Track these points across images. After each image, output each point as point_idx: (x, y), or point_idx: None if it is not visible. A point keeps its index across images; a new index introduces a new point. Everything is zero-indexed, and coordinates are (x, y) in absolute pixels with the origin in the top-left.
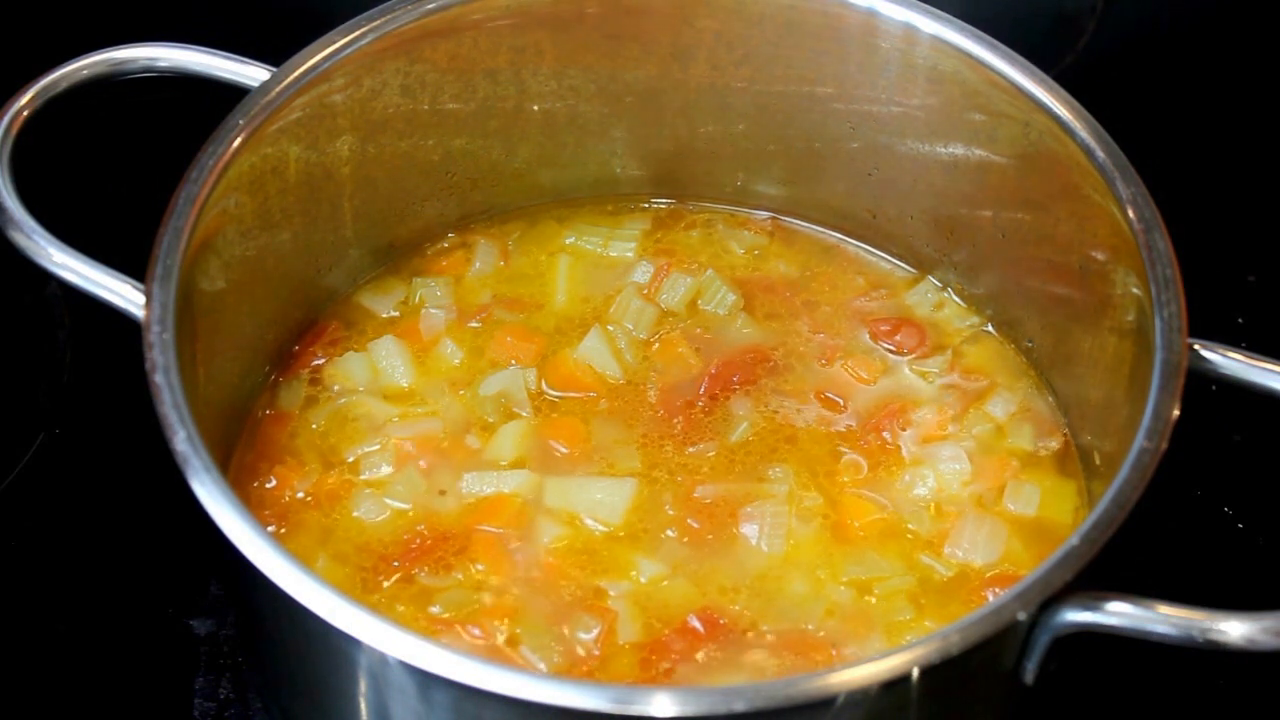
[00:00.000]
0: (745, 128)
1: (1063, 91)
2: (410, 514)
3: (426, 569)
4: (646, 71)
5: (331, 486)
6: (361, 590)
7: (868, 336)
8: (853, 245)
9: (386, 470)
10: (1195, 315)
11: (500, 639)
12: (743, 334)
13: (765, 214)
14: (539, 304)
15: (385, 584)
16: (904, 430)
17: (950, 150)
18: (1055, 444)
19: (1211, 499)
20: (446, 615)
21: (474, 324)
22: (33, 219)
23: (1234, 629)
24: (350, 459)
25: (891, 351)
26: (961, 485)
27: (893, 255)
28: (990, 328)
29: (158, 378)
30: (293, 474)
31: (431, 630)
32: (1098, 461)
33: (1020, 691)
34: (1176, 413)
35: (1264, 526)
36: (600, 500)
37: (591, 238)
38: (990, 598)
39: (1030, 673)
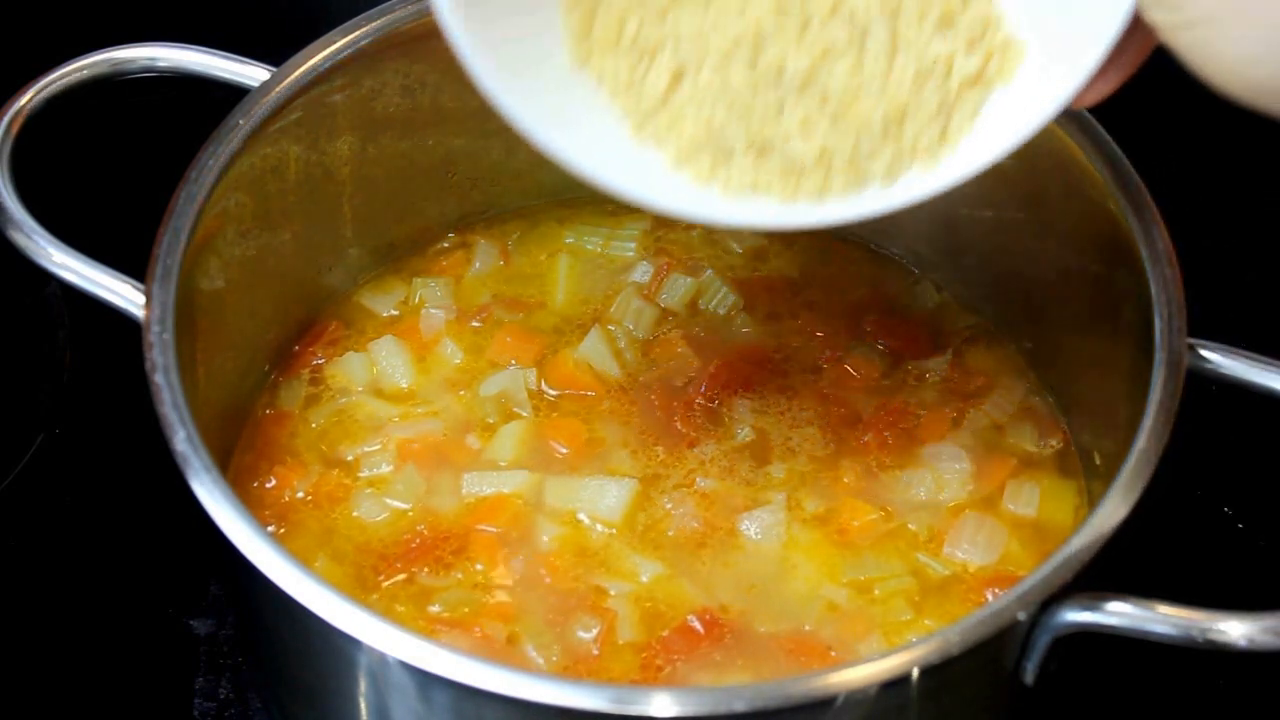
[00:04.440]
0: None
1: None
2: (410, 514)
3: (426, 568)
4: None
5: (331, 486)
6: (360, 589)
7: (867, 335)
8: (852, 245)
9: (386, 470)
10: (1195, 315)
11: (499, 638)
12: (742, 334)
13: None
14: (539, 303)
15: (385, 583)
16: (904, 430)
17: None
18: (1055, 444)
19: (1211, 499)
20: (446, 614)
21: (474, 324)
22: (33, 219)
23: (1234, 629)
24: (350, 459)
25: (891, 351)
26: (961, 485)
27: (892, 255)
28: (990, 328)
29: (158, 378)
30: (292, 474)
31: (431, 630)
32: (1098, 461)
33: (1020, 691)
34: (1176, 413)
35: (1264, 526)
36: (600, 500)
37: (591, 238)
38: (990, 598)
39: (1030, 673)
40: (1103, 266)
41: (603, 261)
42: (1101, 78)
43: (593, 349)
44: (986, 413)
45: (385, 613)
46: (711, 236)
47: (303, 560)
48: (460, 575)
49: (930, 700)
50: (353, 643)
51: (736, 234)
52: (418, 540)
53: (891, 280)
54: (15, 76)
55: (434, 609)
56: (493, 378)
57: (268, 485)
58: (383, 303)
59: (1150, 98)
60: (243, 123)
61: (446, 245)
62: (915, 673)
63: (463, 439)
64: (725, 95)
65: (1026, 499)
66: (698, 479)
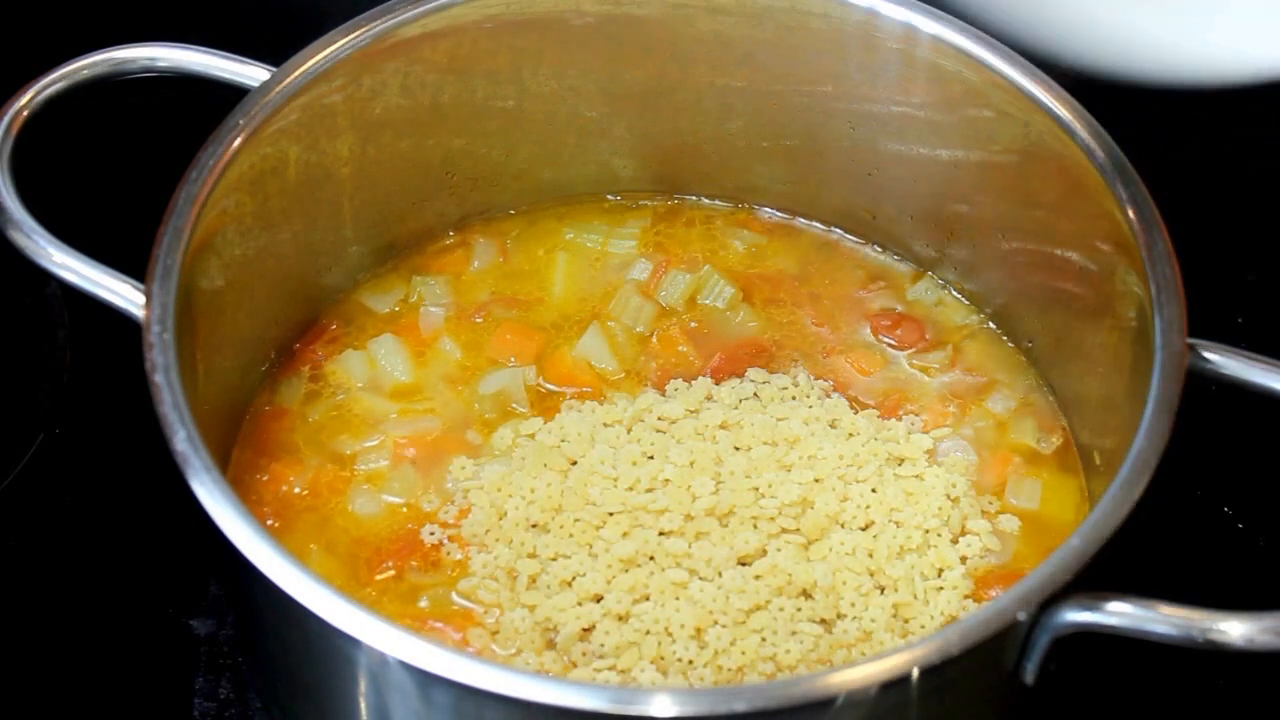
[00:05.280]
0: (744, 127)
1: (1063, 91)
2: (405, 510)
3: (416, 563)
4: (646, 71)
5: (329, 482)
6: (354, 584)
7: (868, 331)
8: (852, 242)
9: (383, 465)
10: (1195, 315)
11: (485, 636)
12: (742, 328)
13: (765, 211)
14: (538, 300)
15: (377, 577)
16: (904, 425)
17: (950, 150)
18: (1056, 441)
19: (1211, 499)
20: (430, 610)
21: (474, 320)
22: (33, 219)
23: (1234, 629)
24: (348, 453)
25: (892, 346)
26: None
27: (894, 252)
28: (991, 325)
29: (158, 378)
30: (290, 469)
31: (419, 626)
32: (1098, 461)
33: (1020, 691)
34: (1176, 413)
35: (1264, 526)
36: None
37: (591, 235)
38: (991, 597)
39: (1030, 673)
40: (1103, 266)
41: (601, 258)
42: None
43: (591, 346)
44: (988, 409)
45: (374, 606)
46: (710, 233)
47: (298, 554)
48: (451, 572)
49: (930, 700)
50: (352, 643)
51: (736, 231)
52: (410, 536)
53: (893, 276)
54: (15, 76)
55: (422, 604)
56: (492, 375)
57: (265, 480)
58: (382, 301)
59: (1151, 97)
60: (243, 123)
61: (447, 243)
62: (915, 673)
63: (462, 435)
64: None
65: (1028, 496)
66: None
